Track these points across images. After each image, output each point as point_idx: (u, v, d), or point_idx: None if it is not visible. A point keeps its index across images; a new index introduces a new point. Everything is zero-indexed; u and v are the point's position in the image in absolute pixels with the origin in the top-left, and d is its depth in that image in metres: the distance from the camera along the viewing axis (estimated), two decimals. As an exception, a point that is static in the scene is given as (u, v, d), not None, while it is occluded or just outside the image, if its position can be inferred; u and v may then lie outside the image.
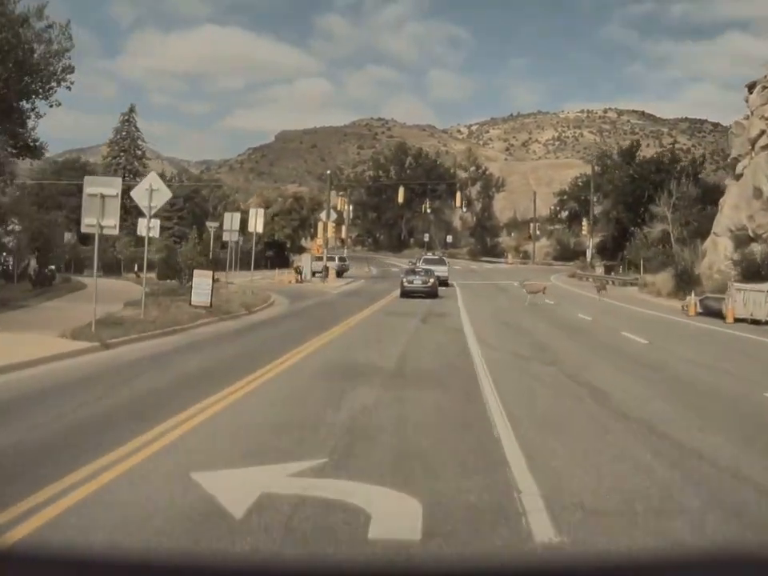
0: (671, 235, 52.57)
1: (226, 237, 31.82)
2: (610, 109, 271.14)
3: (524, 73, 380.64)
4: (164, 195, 23.40)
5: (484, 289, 48.15)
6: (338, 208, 66.74)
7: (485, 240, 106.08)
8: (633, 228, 65.77)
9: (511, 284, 53.14)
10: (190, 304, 26.41)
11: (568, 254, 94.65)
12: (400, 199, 63.04)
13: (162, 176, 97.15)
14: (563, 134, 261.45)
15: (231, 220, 31.22)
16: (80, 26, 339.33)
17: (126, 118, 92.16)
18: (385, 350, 16.10)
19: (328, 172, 62.94)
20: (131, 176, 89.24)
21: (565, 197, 75.79)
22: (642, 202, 62.94)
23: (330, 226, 57.22)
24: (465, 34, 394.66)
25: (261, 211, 37.31)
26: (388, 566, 2.62)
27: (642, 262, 50.43)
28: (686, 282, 40.05)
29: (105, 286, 40.88)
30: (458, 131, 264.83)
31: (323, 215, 58.89)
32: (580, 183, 74.39)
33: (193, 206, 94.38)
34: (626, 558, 2.99)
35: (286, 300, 37.22)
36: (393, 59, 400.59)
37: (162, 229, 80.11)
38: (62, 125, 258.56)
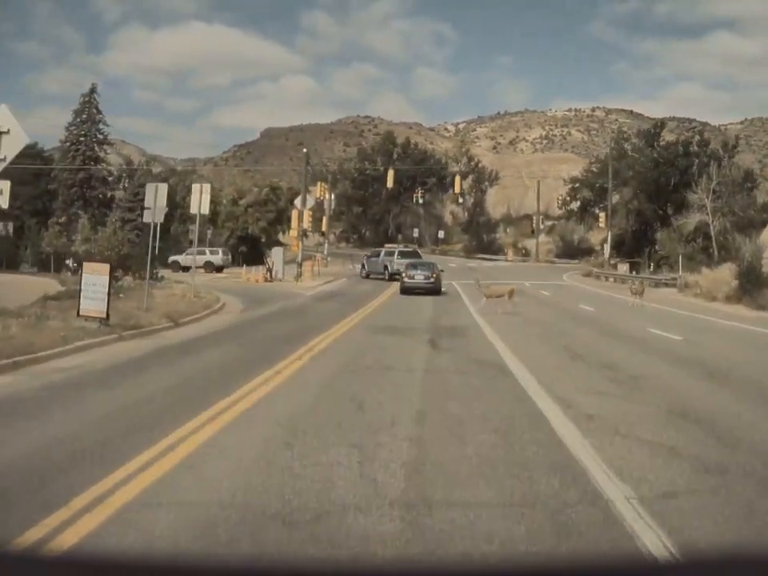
0: (711, 226, 43.95)
1: (147, 218, 22.63)
2: (597, 107, 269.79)
3: (511, 71, 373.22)
4: (17, 141, 14.52)
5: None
6: (318, 196, 57.75)
7: (480, 236, 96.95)
8: (655, 220, 57.36)
9: (522, 284, 44.53)
10: (78, 314, 17.61)
11: (571, 250, 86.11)
12: (389, 184, 54.29)
13: (129, 163, 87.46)
14: (551, 133, 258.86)
15: (155, 193, 21.98)
16: (66, 22, 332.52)
17: (87, 99, 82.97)
18: (371, 445, 7.00)
19: (304, 150, 53.99)
20: (92, 163, 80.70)
21: (577, 184, 66.41)
22: (669, 190, 54.46)
23: (307, 214, 48.33)
24: (451, 32, 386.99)
25: (207, 187, 28.15)
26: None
27: (680, 259, 41.61)
28: (752, 283, 31.43)
29: (13, 285, 32.53)
30: (445, 129, 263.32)
31: (298, 201, 49.98)
32: (594, 169, 65.17)
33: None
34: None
35: (241, 305, 28.70)
36: (379, 57, 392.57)
37: (125, 221, 71.76)
38: (48, 122, 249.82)
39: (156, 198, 22.17)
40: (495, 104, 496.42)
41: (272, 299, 31.65)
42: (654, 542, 4.71)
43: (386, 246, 53.98)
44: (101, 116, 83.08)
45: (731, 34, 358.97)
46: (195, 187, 28.24)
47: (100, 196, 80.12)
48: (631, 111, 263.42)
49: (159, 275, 37.60)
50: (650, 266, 46.82)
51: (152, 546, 4.53)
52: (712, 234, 43.91)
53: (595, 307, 28.39)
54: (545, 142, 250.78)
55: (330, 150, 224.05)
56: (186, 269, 49.53)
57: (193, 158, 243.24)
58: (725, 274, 34.94)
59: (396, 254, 45.82)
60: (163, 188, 22.89)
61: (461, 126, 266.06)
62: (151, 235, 23.11)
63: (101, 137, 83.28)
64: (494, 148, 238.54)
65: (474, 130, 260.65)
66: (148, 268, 22.79)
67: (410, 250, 48.90)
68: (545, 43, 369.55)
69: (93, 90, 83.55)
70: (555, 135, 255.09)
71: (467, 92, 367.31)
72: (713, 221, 43.91)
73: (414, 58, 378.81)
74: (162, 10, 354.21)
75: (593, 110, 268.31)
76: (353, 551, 4.48)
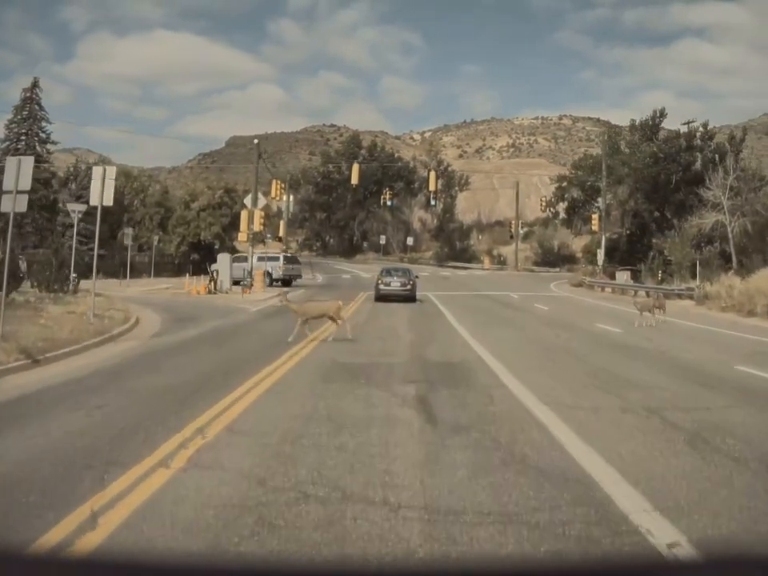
0: (728, 228, 37.72)
1: (5, 207, 15.55)
2: (565, 116, 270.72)
3: (478, 79, 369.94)
4: None
5: (476, 303, 32.83)
6: (274, 195, 50.83)
7: (452, 243, 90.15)
8: (652, 222, 51.25)
9: (507, 295, 38.32)
10: None
11: (551, 257, 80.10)
12: (354, 180, 47.62)
13: (77, 163, 80.00)
14: (518, 141, 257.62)
15: (17, 171, 14.96)
16: (34, 30, 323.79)
17: (29, 95, 75.82)
18: None
19: (255, 141, 47.05)
20: (33, 163, 73.43)
21: (565, 183, 59.51)
22: (670, 189, 48.30)
23: (258, 214, 41.41)
24: (418, 41, 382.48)
25: (111, 170, 21.19)
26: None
27: (697, 266, 35.22)
28: (805, 294, 25.24)
29: None
30: (411, 138, 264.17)
31: (248, 200, 43.02)
32: (584, 165, 58.38)
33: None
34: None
35: (159, 324, 22.02)
36: (346, 66, 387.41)
37: (66, 227, 64.48)
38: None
39: (18, 178, 15.25)
40: (462, 113, 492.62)
41: (206, 317, 24.99)
42: None
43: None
44: (43, 113, 76.17)
45: (701, 41, 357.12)
46: (96, 171, 21.23)
47: (42, 199, 72.74)
48: (598, 119, 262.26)
49: (72, 286, 30.87)
50: (657, 274, 40.49)
51: None
52: (730, 236, 37.73)
53: (621, 328, 21.89)
54: (511, 150, 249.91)
55: (295, 159, 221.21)
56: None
57: (159, 167, 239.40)
58: (763, 284, 28.73)
59: (281, 259, 47.78)
60: (28, 163, 15.88)
61: (427, 135, 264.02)
62: (10, 230, 16.08)
63: (43, 135, 76.37)
64: (461, 156, 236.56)
65: (441, 138, 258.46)
66: (5, 278, 15.65)
67: (291, 255, 52.39)
68: (512, 52, 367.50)
69: (35, 85, 76.42)
70: (522, 143, 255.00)
71: (434, 101, 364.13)
72: (731, 221, 37.73)
73: (381, 67, 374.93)
74: (129, 18, 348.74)
75: (560, 118, 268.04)
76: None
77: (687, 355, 15.13)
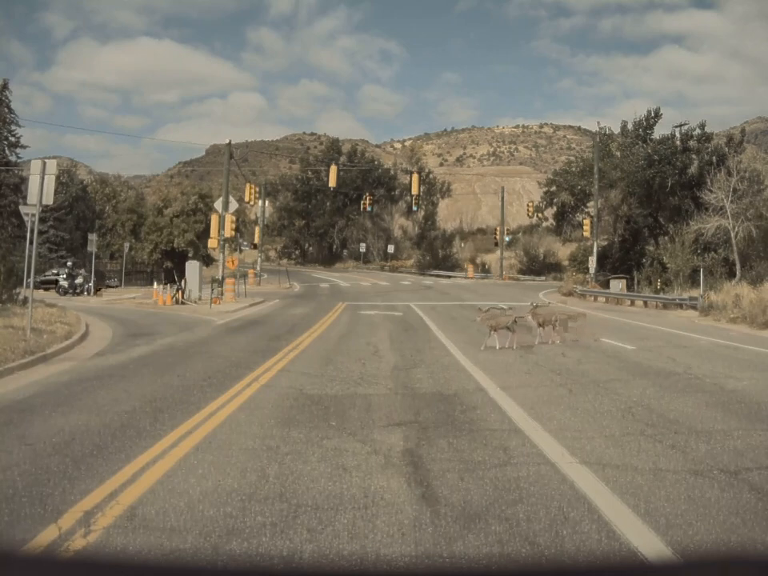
0: (732, 233, 35.40)
1: None
2: (545, 124, 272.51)
3: (457, 88, 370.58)
4: None
5: (464, 315, 30.26)
6: (247, 200, 48.14)
7: (435, 251, 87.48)
8: (645, 228, 48.94)
9: (496, 305, 35.75)
10: None
11: (537, 266, 77.71)
12: (332, 183, 44.94)
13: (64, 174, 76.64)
14: (498, 149, 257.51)
15: None
16: (15, 37, 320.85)
17: (-2, 96, 72.83)
18: None
19: (228, 141, 44.17)
20: (2, 167, 70.62)
21: (554, 187, 56.72)
22: (666, 192, 45.97)
23: (230, 219, 38.69)
24: (397, 49, 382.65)
25: (52, 164, 18.46)
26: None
27: (701, 273, 32.75)
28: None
29: None
30: (392, 146, 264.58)
31: (218, 204, 40.32)
32: (574, 169, 55.80)
33: (83, 208, 76.34)
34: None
35: (108, 340, 19.44)
36: (326, 74, 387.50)
37: (39, 233, 61.91)
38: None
39: None
40: (442, 121, 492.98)
41: (164, 331, 22.40)
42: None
43: None
44: (13, 116, 72.99)
45: (680, 49, 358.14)
46: (34, 165, 18.50)
47: (11, 205, 69.75)
48: (578, 128, 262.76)
49: (20, 297, 28.15)
50: (655, 282, 38.03)
51: None
52: (733, 241, 35.41)
53: (631, 344, 19.34)
54: (492, 158, 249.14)
55: (275, 167, 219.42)
56: (71, 288, 42.30)
57: (140, 176, 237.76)
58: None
59: None
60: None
61: (407, 143, 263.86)
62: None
63: (13, 139, 73.11)
64: (441, 165, 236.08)
65: (421, 146, 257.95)
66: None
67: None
68: (490, 60, 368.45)
69: (4, 87, 73.26)
70: (503, 152, 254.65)
71: (414, 109, 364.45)
72: (734, 226, 35.38)
73: (361, 75, 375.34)
74: (111, 26, 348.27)
75: (540, 126, 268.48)
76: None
77: (733, 383, 12.51)
